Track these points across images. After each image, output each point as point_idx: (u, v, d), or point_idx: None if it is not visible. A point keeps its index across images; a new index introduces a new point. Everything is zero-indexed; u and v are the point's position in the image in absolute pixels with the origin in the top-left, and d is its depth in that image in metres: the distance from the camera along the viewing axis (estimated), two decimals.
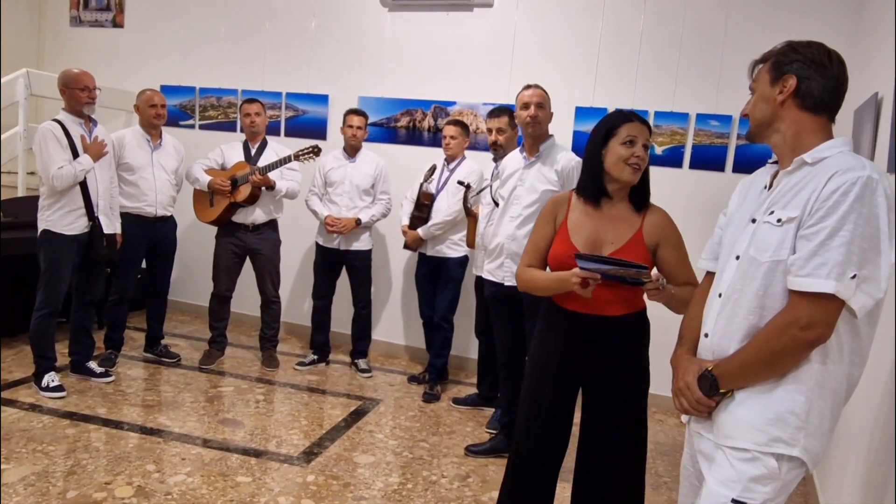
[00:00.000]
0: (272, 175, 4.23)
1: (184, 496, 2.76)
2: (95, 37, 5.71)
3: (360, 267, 4.49)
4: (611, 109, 4.27)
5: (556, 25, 4.45)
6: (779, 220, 1.48)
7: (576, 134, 4.36)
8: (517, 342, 3.28)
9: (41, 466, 2.90)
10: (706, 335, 1.64)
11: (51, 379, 3.69)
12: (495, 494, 2.91)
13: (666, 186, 4.23)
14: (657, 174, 4.21)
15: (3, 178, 4.98)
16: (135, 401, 3.76)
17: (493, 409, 3.88)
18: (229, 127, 5.34)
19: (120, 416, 3.51)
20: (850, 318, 1.45)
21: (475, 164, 4.22)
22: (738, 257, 1.57)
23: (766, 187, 1.60)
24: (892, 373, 2.05)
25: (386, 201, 4.47)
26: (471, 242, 4.07)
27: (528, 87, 3.27)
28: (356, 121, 4.34)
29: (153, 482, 2.85)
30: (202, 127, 5.44)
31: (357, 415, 3.84)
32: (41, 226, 3.64)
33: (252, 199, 4.26)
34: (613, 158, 2.11)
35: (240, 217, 4.33)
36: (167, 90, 5.41)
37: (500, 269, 3.25)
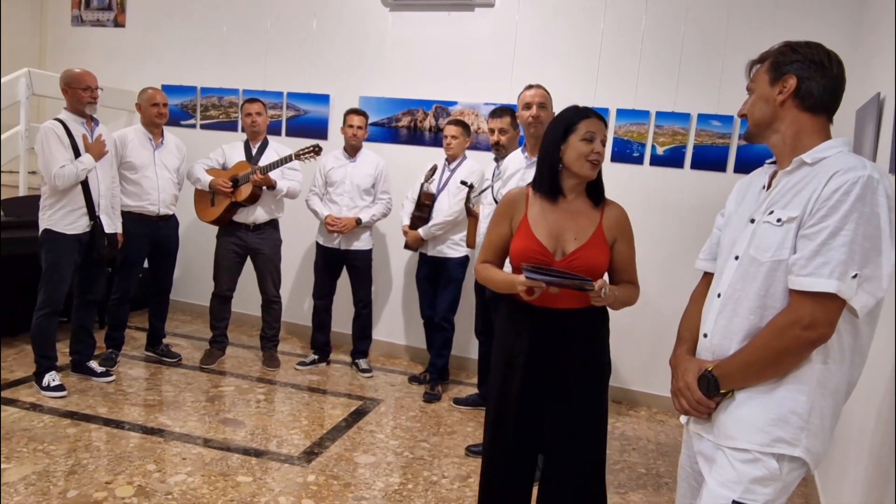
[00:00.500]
0: (273, 175, 4.23)
1: (184, 496, 2.76)
2: (97, 36, 5.72)
3: (360, 267, 4.49)
4: (612, 109, 4.30)
5: (558, 25, 4.45)
6: (779, 220, 1.47)
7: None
8: None
9: (42, 466, 2.90)
10: (705, 335, 1.63)
11: (52, 378, 3.69)
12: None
13: (667, 187, 4.25)
14: (659, 174, 4.26)
15: (5, 177, 4.98)
16: (136, 400, 3.76)
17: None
18: (230, 126, 5.34)
19: (121, 416, 3.51)
20: (850, 318, 1.45)
21: (476, 164, 4.22)
22: (737, 257, 1.56)
23: (764, 187, 1.60)
24: (892, 373, 2.05)
25: (386, 201, 4.47)
26: (471, 242, 4.07)
27: (529, 87, 3.27)
28: (357, 120, 4.34)
29: (154, 482, 2.85)
30: (203, 126, 5.44)
31: (358, 415, 3.84)
32: (42, 225, 3.64)
33: (253, 199, 4.26)
34: (574, 154, 2.12)
35: (241, 217, 4.33)
36: (168, 90, 5.40)
37: None
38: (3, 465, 2.86)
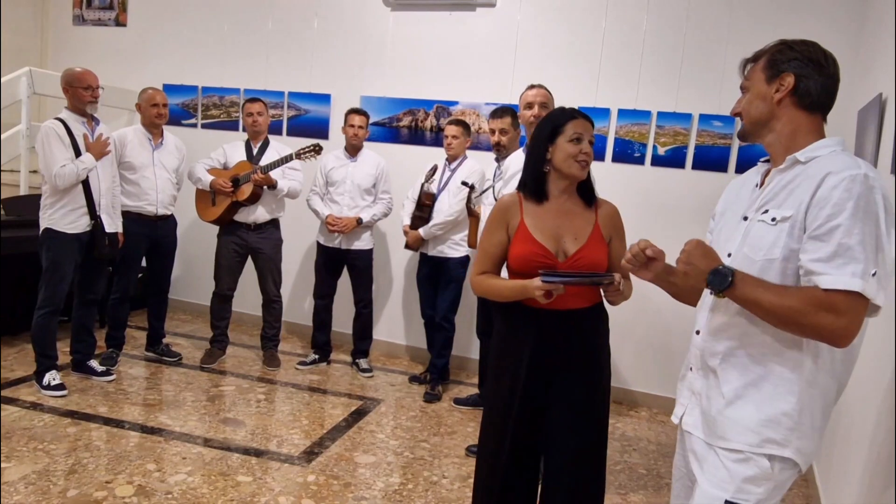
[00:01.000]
0: (274, 174, 4.23)
1: (184, 495, 2.76)
2: (98, 35, 5.72)
3: (361, 266, 4.49)
4: (614, 109, 4.30)
5: (559, 25, 4.44)
6: (773, 220, 1.47)
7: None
8: None
9: (42, 465, 2.90)
10: (697, 332, 1.64)
11: (52, 377, 3.69)
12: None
13: (669, 187, 4.25)
14: (660, 174, 4.25)
15: (6, 176, 4.99)
16: (136, 400, 3.76)
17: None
18: (232, 126, 5.34)
19: (121, 415, 3.51)
20: None
21: (476, 164, 4.22)
22: (729, 255, 1.56)
23: (757, 185, 1.60)
24: (892, 373, 2.05)
25: (387, 201, 4.46)
26: (472, 243, 4.06)
27: (531, 86, 3.27)
28: (358, 120, 4.34)
29: (154, 481, 2.85)
30: (204, 126, 5.44)
31: (358, 415, 3.83)
32: (43, 224, 3.64)
33: (254, 199, 4.26)
34: (562, 156, 2.13)
35: (242, 216, 4.32)
36: (170, 89, 5.41)
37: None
38: (3, 465, 2.86)
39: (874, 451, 2.17)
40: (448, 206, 4.13)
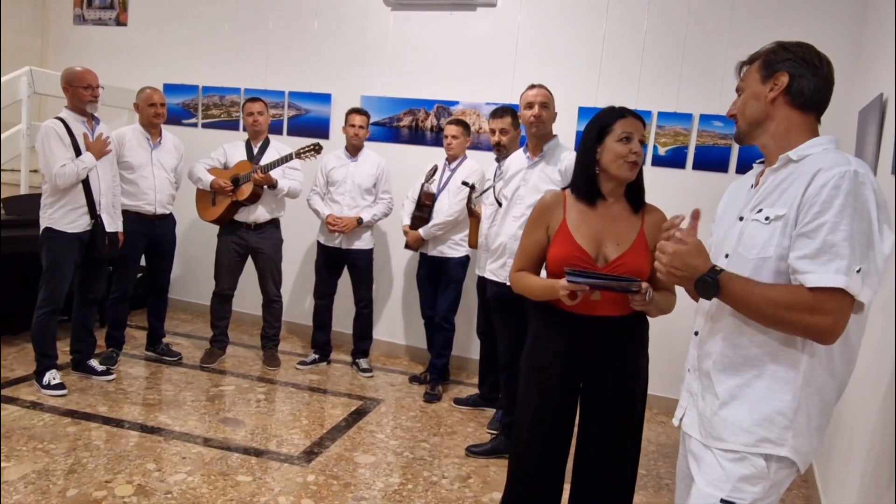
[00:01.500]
0: (274, 174, 4.23)
1: (184, 495, 2.76)
2: (99, 35, 5.72)
3: (361, 266, 4.48)
4: None
5: (560, 25, 4.44)
6: (767, 218, 1.48)
7: (579, 134, 4.34)
8: (519, 343, 3.23)
9: (42, 464, 2.89)
10: (696, 333, 1.65)
11: (52, 377, 3.69)
12: (496, 495, 2.92)
13: (669, 187, 4.24)
14: (660, 175, 4.25)
15: (6, 175, 4.98)
16: (136, 399, 3.76)
17: (495, 410, 3.87)
18: (232, 126, 5.34)
19: (121, 415, 3.51)
20: None
21: (476, 164, 4.22)
22: (727, 255, 1.57)
23: (752, 186, 1.61)
24: (892, 373, 2.04)
25: (387, 201, 4.46)
26: (473, 243, 4.06)
27: (531, 86, 3.27)
28: (358, 120, 4.34)
29: (153, 481, 2.85)
30: (205, 126, 5.44)
31: (358, 415, 3.83)
32: (43, 224, 3.64)
33: (254, 198, 4.26)
34: (611, 156, 2.07)
35: (242, 216, 4.32)
36: (170, 89, 5.42)
37: (502, 269, 3.23)
38: (3, 464, 2.86)
39: (874, 452, 2.17)
40: (448, 207, 4.13)
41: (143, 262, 4.42)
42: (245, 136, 4.55)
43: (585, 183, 2.13)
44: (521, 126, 3.57)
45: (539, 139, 3.22)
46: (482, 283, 3.66)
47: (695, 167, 4.21)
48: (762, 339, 1.49)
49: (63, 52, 5.78)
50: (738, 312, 1.49)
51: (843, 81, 3.74)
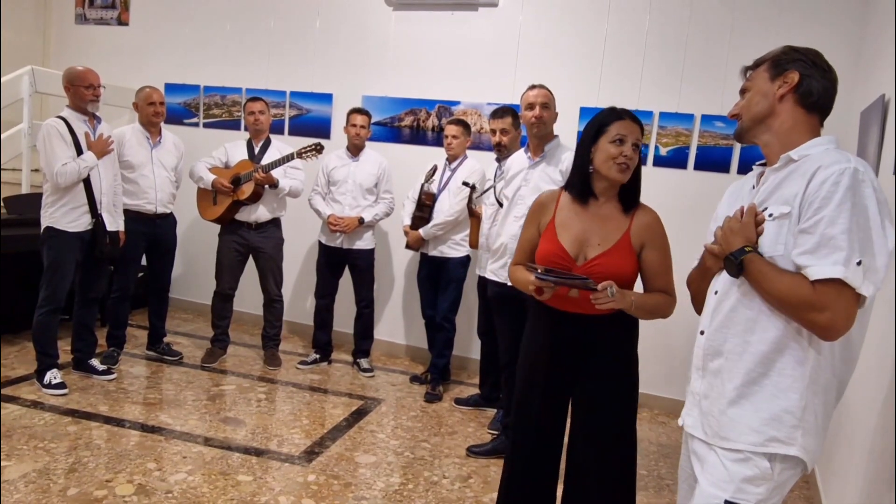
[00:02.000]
0: (275, 173, 4.23)
1: (184, 494, 2.76)
2: (100, 34, 5.72)
3: (362, 266, 4.48)
4: None
5: (561, 25, 4.44)
6: (771, 216, 1.49)
7: (580, 134, 4.33)
8: (519, 343, 3.26)
9: (42, 463, 2.90)
10: (702, 332, 1.64)
11: (53, 376, 3.70)
12: (496, 496, 2.91)
13: (670, 187, 4.24)
14: (662, 175, 4.24)
15: (8, 175, 4.99)
16: (136, 399, 3.76)
17: (496, 410, 3.87)
18: (233, 125, 5.34)
19: (121, 414, 3.51)
20: None
21: (477, 164, 4.21)
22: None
23: (753, 187, 1.62)
24: (892, 373, 2.04)
25: (389, 200, 4.46)
26: (474, 243, 4.06)
27: (532, 87, 3.26)
28: (360, 120, 4.34)
29: (154, 480, 2.85)
30: (206, 125, 5.44)
31: (359, 414, 3.83)
32: (44, 223, 3.64)
33: (255, 197, 4.26)
34: (602, 157, 2.10)
35: (243, 215, 4.32)
36: (171, 88, 5.42)
37: (503, 269, 3.23)
38: (4, 463, 2.86)
39: (876, 453, 2.16)
40: (448, 207, 4.13)
41: (143, 261, 4.41)
42: (246, 135, 4.55)
43: (579, 181, 2.17)
44: (522, 126, 3.57)
45: (540, 139, 3.22)
46: (483, 283, 3.66)
47: (696, 167, 4.21)
48: (770, 336, 1.48)
49: (65, 51, 5.78)
50: (750, 312, 1.50)
51: (845, 82, 3.73)
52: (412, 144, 4.86)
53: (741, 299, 1.53)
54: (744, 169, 4.07)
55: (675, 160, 4.24)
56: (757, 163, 1.66)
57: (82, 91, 3.65)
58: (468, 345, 4.73)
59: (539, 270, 2.02)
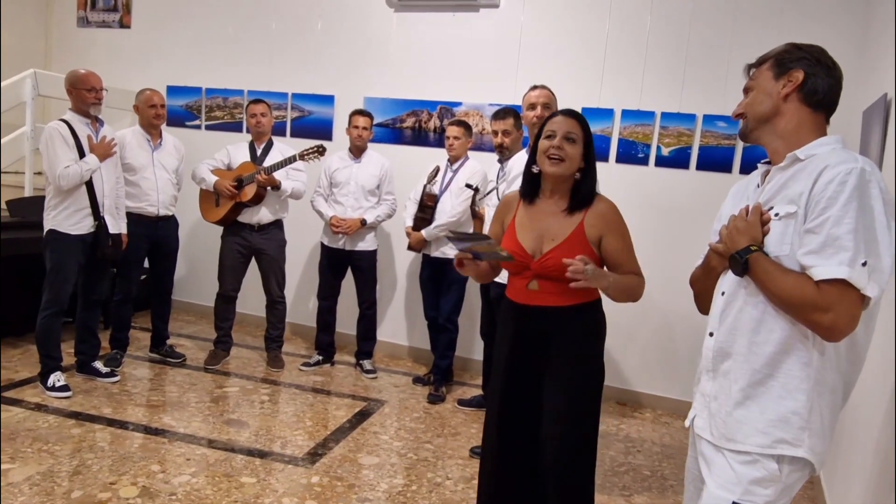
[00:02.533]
0: (277, 175, 4.23)
1: (188, 497, 2.76)
2: (102, 37, 5.73)
3: (365, 267, 4.49)
4: (617, 110, 4.29)
5: (563, 26, 4.44)
6: (777, 215, 1.48)
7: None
8: None
9: (46, 466, 2.90)
10: (711, 334, 1.63)
11: (56, 379, 3.70)
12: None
13: (673, 188, 4.24)
14: (664, 175, 4.24)
15: (11, 178, 5.00)
16: (140, 401, 3.77)
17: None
18: (235, 127, 5.35)
19: (125, 416, 3.51)
20: None
21: (478, 165, 4.21)
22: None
23: (758, 186, 1.61)
24: (894, 375, 2.04)
25: (391, 202, 4.46)
26: None
27: (534, 87, 3.26)
28: (362, 121, 4.34)
29: (158, 482, 2.85)
30: (208, 127, 5.45)
31: (362, 416, 3.83)
32: (47, 225, 3.65)
33: (257, 199, 4.26)
34: (539, 153, 2.17)
35: (245, 217, 4.33)
36: (173, 90, 5.43)
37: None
38: (8, 466, 2.87)
39: (880, 453, 2.16)
40: (450, 208, 4.13)
41: (146, 263, 4.42)
42: (249, 137, 4.55)
43: (527, 182, 2.25)
44: (524, 127, 3.57)
45: None
46: (486, 284, 3.66)
47: (698, 167, 4.20)
48: (776, 336, 1.48)
49: (67, 54, 5.79)
50: (755, 312, 1.50)
51: (848, 81, 3.70)
52: (414, 146, 4.86)
53: (747, 299, 1.52)
54: (746, 169, 4.06)
55: (677, 160, 4.23)
56: (761, 161, 1.65)
57: (84, 94, 3.66)
58: (471, 346, 4.73)
59: (454, 244, 2.11)
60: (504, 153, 3.72)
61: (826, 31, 3.79)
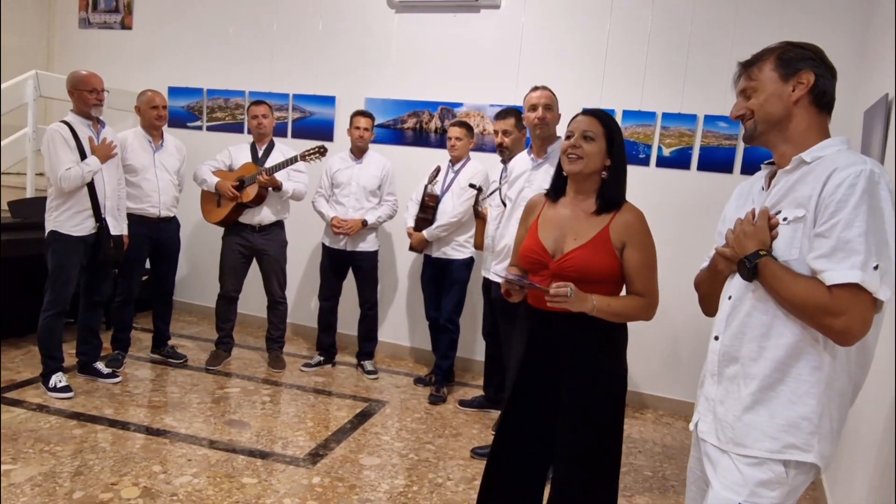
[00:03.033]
0: (279, 176, 4.24)
1: (190, 497, 2.76)
2: (104, 39, 5.74)
3: (366, 268, 4.49)
4: (619, 111, 4.29)
5: (564, 26, 4.44)
6: (785, 219, 1.47)
7: None
8: None
9: (48, 467, 2.90)
10: (716, 338, 1.61)
11: (58, 379, 3.70)
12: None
13: (674, 188, 4.24)
14: (665, 176, 4.24)
15: (13, 179, 5.01)
16: (141, 402, 3.77)
17: (500, 411, 3.86)
18: (237, 128, 5.35)
19: (127, 417, 3.52)
20: None
21: (480, 166, 4.21)
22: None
23: (763, 188, 1.59)
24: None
25: (392, 202, 4.47)
26: (479, 244, 4.06)
27: (535, 88, 3.26)
28: (363, 122, 4.34)
29: (159, 483, 2.86)
30: (210, 128, 5.46)
31: (363, 416, 3.83)
32: (49, 227, 3.65)
33: (259, 200, 4.27)
34: (561, 152, 2.17)
35: (246, 217, 4.33)
36: (175, 91, 5.43)
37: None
38: (10, 467, 2.87)
39: (882, 454, 2.16)
40: (452, 208, 4.13)
41: (147, 264, 4.42)
42: (250, 138, 4.56)
43: (555, 181, 2.25)
44: (526, 127, 3.58)
45: (543, 141, 3.22)
46: (487, 284, 3.66)
47: (699, 168, 4.20)
48: (786, 341, 1.47)
49: (68, 55, 5.80)
50: (765, 317, 1.49)
51: (849, 81, 3.74)
52: (415, 146, 4.86)
53: (756, 304, 1.51)
54: (748, 169, 4.06)
55: (678, 161, 4.23)
56: (765, 162, 1.64)
57: (86, 95, 3.66)
58: (472, 346, 4.73)
59: (506, 276, 2.14)
60: (504, 153, 3.72)
61: (828, 32, 3.79)
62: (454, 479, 3.17)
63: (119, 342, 4.32)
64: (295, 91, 5.16)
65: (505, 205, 3.36)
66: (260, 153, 4.42)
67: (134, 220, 4.10)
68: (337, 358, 4.72)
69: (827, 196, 1.39)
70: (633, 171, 4.35)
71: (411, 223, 4.27)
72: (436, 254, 4.24)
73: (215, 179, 4.29)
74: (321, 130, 5.10)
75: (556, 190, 2.23)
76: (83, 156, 3.63)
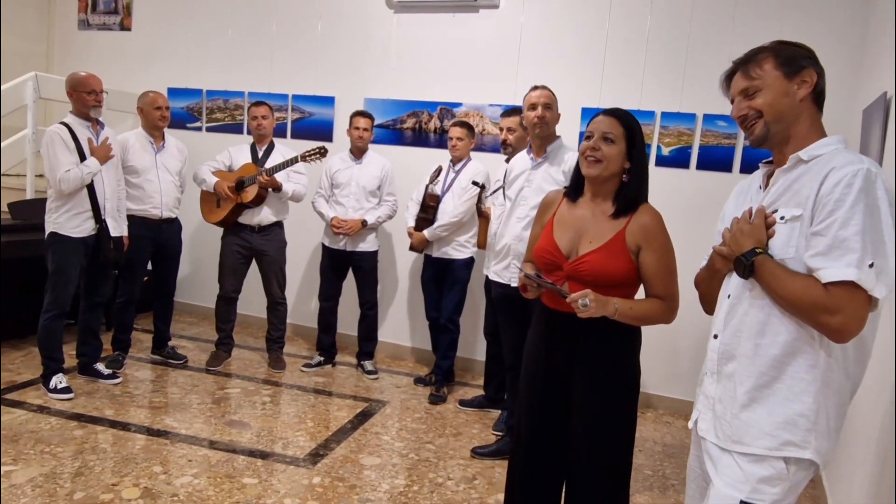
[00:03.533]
0: (279, 177, 4.24)
1: (190, 498, 2.76)
2: (103, 40, 5.74)
3: (366, 268, 4.49)
4: None
5: (563, 26, 4.44)
6: (783, 218, 1.47)
7: (582, 135, 4.33)
8: (524, 343, 3.26)
9: (49, 468, 2.91)
10: (715, 336, 1.62)
11: (59, 380, 3.71)
12: (501, 497, 2.90)
13: (673, 187, 4.24)
14: (664, 175, 4.24)
15: (13, 180, 5.01)
16: (142, 402, 3.77)
17: (500, 411, 3.87)
18: (236, 129, 5.36)
19: (127, 418, 3.52)
20: None
21: (481, 166, 4.22)
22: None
23: (760, 188, 1.60)
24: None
25: (392, 203, 4.47)
26: (482, 243, 4.06)
27: (535, 88, 3.27)
28: (362, 123, 4.34)
29: (160, 483, 2.86)
30: (209, 129, 5.46)
31: (363, 416, 3.84)
32: (48, 228, 3.66)
33: (258, 200, 4.27)
34: (579, 154, 2.13)
35: (246, 218, 4.33)
36: (174, 93, 5.44)
37: (506, 270, 3.24)
38: (10, 468, 2.87)
39: (882, 452, 2.16)
40: (453, 208, 4.13)
41: (149, 265, 4.43)
42: (250, 139, 4.56)
43: (574, 181, 2.21)
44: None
45: (542, 140, 3.22)
46: (489, 283, 3.66)
47: (699, 167, 4.20)
48: (782, 339, 1.47)
49: (68, 57, 5.81)
50: (762, 314, 1.50)
51: (847, 80, 3.75)
52: (415, 146, 4.86)
53: (752, 302, 1.52)
54: (746, 168, 4.06)
55: (677, 160, 4.23)
56: (763, 161, 1.64)
57: (85, 97, 3.67)
58: (472, 346, 4.73)
59: (523, 270, 2.10)
60: (508, 150, 3.72)
61: (826, 31, 3.79)
62: (454, 478, 3.17)
63: (119, 343, 4.32)
64: (294, 91, 5.17)
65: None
66: (260, 154, 4.43)
67: (136, 221, 4.11)
68: (337, 358, 4.72)
69: (824, 195, 1.39)
70: None
71: (412, 223, 4.27)
72: (436, 254, 4.24)
73: (214, 179, 4.30)
74: (321, 131, 5.10)
75: (576, 189, 2.18)
76: (83, 157, 3.63)
